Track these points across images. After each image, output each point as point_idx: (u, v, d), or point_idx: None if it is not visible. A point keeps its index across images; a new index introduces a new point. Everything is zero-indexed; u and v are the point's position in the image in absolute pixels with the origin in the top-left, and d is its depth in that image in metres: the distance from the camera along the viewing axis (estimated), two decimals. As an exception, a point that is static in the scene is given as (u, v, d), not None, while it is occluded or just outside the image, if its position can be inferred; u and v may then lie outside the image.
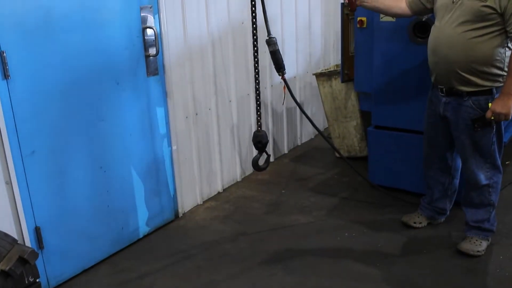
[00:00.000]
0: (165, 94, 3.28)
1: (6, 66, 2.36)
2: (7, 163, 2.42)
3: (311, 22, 4.70)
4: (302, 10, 4.52)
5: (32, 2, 2.44)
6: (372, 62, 3.58)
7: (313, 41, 4.78)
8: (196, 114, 3.55)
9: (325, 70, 4.39)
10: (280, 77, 2.97)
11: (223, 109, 3.79)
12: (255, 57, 2.83)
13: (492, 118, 2.59)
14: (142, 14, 3.02)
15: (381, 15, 3.44)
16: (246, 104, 4.00)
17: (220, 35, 3.64)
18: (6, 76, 2.37)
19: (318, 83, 4.32)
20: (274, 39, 2.94)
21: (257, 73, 2.85)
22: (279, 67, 3.00)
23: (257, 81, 2.85)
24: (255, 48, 2.81)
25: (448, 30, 2.65)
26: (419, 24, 3.31)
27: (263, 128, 2.98)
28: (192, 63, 3.43)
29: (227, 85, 3.79)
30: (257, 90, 2.87)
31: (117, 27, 2.88)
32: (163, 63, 3.21)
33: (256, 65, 2.84)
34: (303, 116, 4.64)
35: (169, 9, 3.19)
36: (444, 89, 2.78)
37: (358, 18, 3.69)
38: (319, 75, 4.30)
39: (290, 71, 4.45)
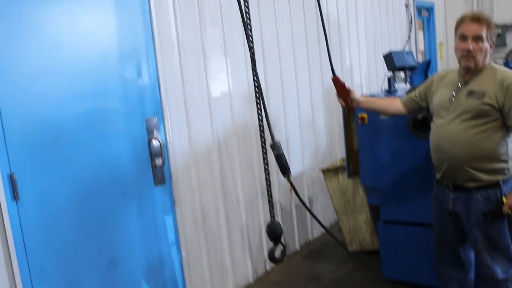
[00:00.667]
0: (172, 201, 3.29)
1: (16, 188, 2.41)
2: (15, 282, 2.40)
3: (314, 117, 4.78)
4: (305, 107, 4.62)
5: (42, 124, 2.52)
6: (376, 157, 3.60)
7: (318, 136, 4.84)
8: (204, 218, 3.54)
9: (332, 165, 4.41)
10: (286, 180, 2.98)
11: (232, 211, 3.78)
12: (264, 151, 2.85)
13: (510, 213, 2.58)
14: (147, 126, 3.09)
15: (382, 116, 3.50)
16: (254, 203, 4.00)
17: (225, 139, 3.71)
18: (16, 198, 2.41)
19: (325, 179, 4.32)
20: (278, 143, 2.99)
21: (266, 163, 2.85)
22: (285, 170, 3.02)
23: (266, 171, 2.83)
24: (263, 146, 2.83)
25: (450, 128, 2.68)
26: (419, 119, 3.35)
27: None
28: (198, 169, 3.47)
29: (234, 186, 3.80)
30: (268, 181, 2.85)
31: (123, 141, 2.95)
32: (169, 171, 3.25)
33: (265, 156, 2.84)
34: (313, 211, 4.61)
35: (174, 118, 3.28)
36: (451, 185, 2.76)
37: (360, 115, 3.74)
38: (325, 171, 4.31)
39: (296, 167, 4.48)
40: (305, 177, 4.65)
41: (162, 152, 3.15)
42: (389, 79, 3.81)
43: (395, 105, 3.08)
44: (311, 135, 4.75)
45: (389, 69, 3.88)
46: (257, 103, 2.97)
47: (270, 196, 2.89)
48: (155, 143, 3.14)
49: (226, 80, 3.71)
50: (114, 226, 2.91)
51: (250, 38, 2.89)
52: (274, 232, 2.87)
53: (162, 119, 3.21)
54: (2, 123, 2.36)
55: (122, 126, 2.95)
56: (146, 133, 3.10)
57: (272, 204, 2.90)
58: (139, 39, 3.05)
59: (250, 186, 3.97)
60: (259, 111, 2.91)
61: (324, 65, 4.80)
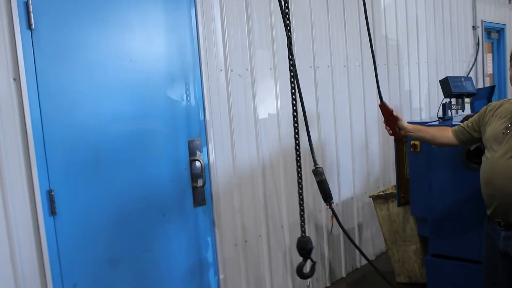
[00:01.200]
0: (212, 223, 3.25)
1: (53, 204, 2.44)
2: (49, 297, 2.42)
3: (368, 141, 4.62)
4: (358, 131, 4.47)
5: (82, 143, 2.55)
6: (427, 187, 3.41)
7: (371, 161, 4.66)
8: (246, 241, 3.47)
9: (382, 192, 4.22)
10: (328, 206, 2.86)
11: (275, 234, 3.69)
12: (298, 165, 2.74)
13: None
14: (190, 147, 3.07)
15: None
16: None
17: (271, 161, 3.64)
18: (53, 213, 2.45)
19: (375, 206, 4.15)
20: (321, 169, 2.88)
21: (300, 177, 2.74)
22: (326, 196, 2.90)
23: (300, 186, 2.73)
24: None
25: (502, 163, 2.48)
26: (472, 150, 3.14)
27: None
28: (241, 191, 3.41)
29: (278, 210, 3.71)
30: (300, 195, 2.75)
31: (164, 161, 2.95)
32: (211, 192, 3.22)
33: (299, 168, 2.72)
34: (362, 237, 4.43)
35: (218, 140, 3.25)
36: (502, 222, 2.54)
37: (412, 142, 3.57)
38: (375, 198, 4.13)
39: (346, 192, 4.33)
40: (355, 202, 4.49)
41: (203, 173, 3.12)
42: (443, 106, 3.60)
43: (446, 135, 2.90)
44: (364, 159, 4.58)
45: (445, 95, 3.68)
46: (294, 127, 2.87)
47: (302, 210, 2.78)
48: (197, 164, 3.11)
49: (274, 102, 3.65)
50: (151, 245, 2.90)
51: (291, 58, 2.81)
52: (303, 247, 2.74)
53: (205, 141, 3.19)
54: (44, 143, 2.40)
55: (164, 146, 2.95)
56: (188, 154, 3.08)
57: (304, 219, 2.78)
58: (186, 61, 3.06)
59: (295, 210, 3.86)
60: (296, 135, 2.82)
61: (382, 86, 4.64)
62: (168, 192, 2.99)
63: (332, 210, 2.95)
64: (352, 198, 4.45)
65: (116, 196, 2.71)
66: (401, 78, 5.03)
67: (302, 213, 2.78)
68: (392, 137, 3.01)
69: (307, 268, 2.78)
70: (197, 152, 3.13)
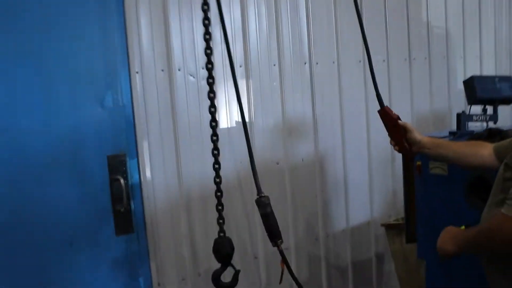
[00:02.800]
0: (145, 254, 2.60)
1: None
2: None
3: (395, 153, 3.61)
4: (379, 140, 3.46)
5: None
6: (433, 221, 2.46)
7: (399, 176, 3.64)
8: (199, 275, 2.78)
9: (397, 220, 3.25)
10: (277, 248, 2.08)
11: (246, 268, 2.95)
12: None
13: None
14: (110, 163, 2.46)
15: (431, 164, 2.35)
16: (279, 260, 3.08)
17: (239, 180, 2.91)
18: None
19: (387, 237, 3.21)
20: (265, 199, 2.08)
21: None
22: (273, 235, 2.10)
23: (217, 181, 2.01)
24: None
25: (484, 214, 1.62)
26: (478, 181, 2.15)
27: None
28: (191, 215, 2.73)
29: (250, 238, 2.97)
30: (218, 191, 2.02)
31: (73, 180, 2.37)
32: (143, 218, 2.58)
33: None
34: (383, 271, 3.51)
35: (156, 154, 2.60)
36: None
37: (417, 162, 2.62)
38: (388, 227, 3.19)
39: (359, 215, 3.44)
40: (373, 228, 3.55)
41: (129, 195, 2.49)
42: (458, 116, 2.58)
43: (481, 153, 1.98)
44: (388, 175, 3.60)
45: (469, 101, 2.63)
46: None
47: (220, 205, 2.03)
48: (121, 184, 2.48)
49: (244, 107, 2.89)
50: (55, 279, 2.35)
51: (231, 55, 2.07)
52: (217, 250, 2.00)
53: (135, 155, 2.54)
54: None
55: (73, 163, 2.37)
56: (107, 172, 2.46)
57: (221, 215, 2.03)
58: (109, 59, 2.44)
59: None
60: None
61: (420, 86, 3.65)
62: (77, 218, 2.40)
63: (281, 253, 2.14)
64: (368, 223, 3.51)
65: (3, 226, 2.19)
66: (451, 74, 3.92)
67: (220, 207, 2.03)
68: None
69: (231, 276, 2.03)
70: (122, 169, 2.50)
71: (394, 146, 2.10)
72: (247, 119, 2.83)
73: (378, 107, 3.43)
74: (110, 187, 2.47)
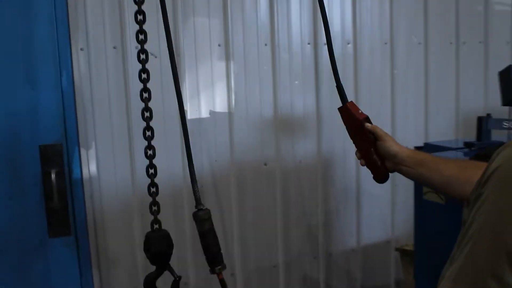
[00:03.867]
0: (87, 261, 2.19)
1: None
2: None
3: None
4: (407, 137, 2.81)
5: None
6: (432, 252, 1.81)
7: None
8: None
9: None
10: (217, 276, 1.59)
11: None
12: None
13: None
14: (43, 154, 2.07)
15: (425, 190, 1.70)
16: (265, 277, 2.55)
17: (214, 181, 2.40)
18: None
19: (402, 264, 2.52)
20: (202, 213, 1.58)
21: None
22: (212, 260, 1.60)
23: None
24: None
25: None
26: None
27: None
28: (147, 218, 2.26)
29: (227, 251, 2.45)
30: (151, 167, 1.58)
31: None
32: (85, 218, 2.16)
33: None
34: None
35: (104, 146, 2.18)
36: None
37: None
38: (403, 253, 2.50)
39: (377, 233, 2.78)
40: (394, 248, 2.85)
41: (64, 190, 2.09)
42: (479, 121, 1.85)
43: (470, 176, 1.31)
44: (419, 186, 2.87)
45: (504, 100, 1.88)
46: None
47: (153, 187, 1.56)
48: (56, 177, 2.09)
49: (224, 94, 2.39)
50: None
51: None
52: (147, 249, 1.54)
53: (76, 145, 2.13)
54: None
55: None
56: (39, 163, 2.08)
57: (155, 202, 1.57)
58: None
59: (259, 250, 2.54)
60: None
61: (471, 77, 2.89)
62: (2, 217, 2.04)
63: (222, 282, 1.63)
64: (389, 242, 2.83)
65: None
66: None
67: (153, 188, 1.57)
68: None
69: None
70: (57, 161, 2.10)
71: (358, 159, 1.47)
72: (225, 108, 2.31)
73: (414, 100, 2.75)
74: (43, 182, 2.07)
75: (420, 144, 2.34)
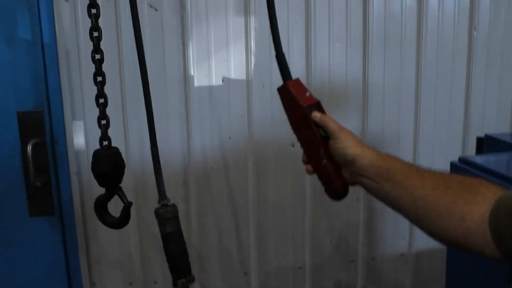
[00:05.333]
0: (74, 244, 1.89)
1: None
2: None
3: None
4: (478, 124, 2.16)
5: None
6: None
7: None
8: (155, 282, 1.98)
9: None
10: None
11: (229, 283, 2.05)
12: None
13: None
14: (21, 122, 1.76)
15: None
16: (289, 275, 2.10)
17: (224, 162, 1.96)
18: None
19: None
20: (169, 211, 1.23)
21: None
22: (176, 269, 1.26)
23: None
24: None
25: None
26: None
27: None
28: (142, 198, 1.91)
29: (239, 246, 2.03)
30: None
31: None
32: (70, 195, 1.85)
33: None
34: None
35: (94, 112, 1.80)
36: None
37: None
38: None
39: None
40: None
41: (47, 164, 1.78)
42: (479, 143, 1.28)
43: (467, 210, 0.78)
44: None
45: None
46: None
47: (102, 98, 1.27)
48: (36, 149, 1.78)
49: (241, 58, 1.90)
50: None
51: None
52: (93, 168, 1.30)
53: (60, 111, 1.79)
54: None
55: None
56: (18, 133, 1.77)
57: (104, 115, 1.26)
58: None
59: (284, 247, 2.08)
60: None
61: None
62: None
63: None
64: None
65: None
66: None
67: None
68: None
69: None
70: (37, 131, 1.78)
71: (304, 162, 0.97)
72: (243, 74, 1.83)
73: (493, 77, 2.01)
74: (22, 154, 1.76)
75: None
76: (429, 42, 2.01)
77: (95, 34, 1.26)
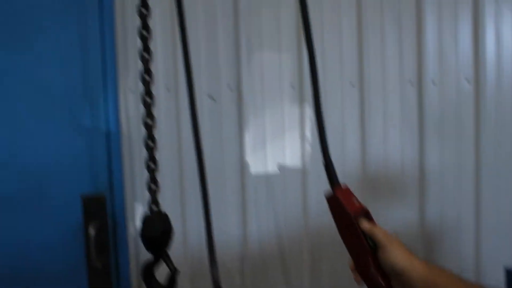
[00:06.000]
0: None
1: None
2: None
3: None
4: None
5: None
6: None
7: None
8: None
9: None
10: None
11: None
12: None
13: None
14: (86, 206, 1.84)
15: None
16: None
17: (280, 249, 1.94)
18: None
19: None
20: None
21: None
22: None
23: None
24: None
25: None
26: None
27: None
28: (197, 283, 1.91)
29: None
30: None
31: (34, 226, 1.84)
32: (128, 279, 1.88)
33: None
34: None
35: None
36: None
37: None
38: None
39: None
40: None
41: (109, 245, 1.84)
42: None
43: None
44: None
45: None
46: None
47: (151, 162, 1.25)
48: (98, 232, 1.85)
49: (296, 145, 1.93)
50: None
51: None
52: (143, 233, 1.26)
53: (122, 196, 1.87)
54: None
55: (36, 205, 1.84)
56: (81, 216, 1.85)
57: (154, 179, 1.25)
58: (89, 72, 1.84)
59: None
60: None
61: None
62: (40, 271, 1.86)
63: None
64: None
65: None
66: None
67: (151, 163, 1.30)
68: None
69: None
70: (101, 214, 1.85)
71: (353, 272, 0.94)
72: (298, 162, 1.85)
73: None
74: (85, 236, 1.83)
75: None
76: (487, 126, 1.95)
77: (149, 122, 1.32)
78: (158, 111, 1.79)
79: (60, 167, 1.83)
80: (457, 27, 1.95)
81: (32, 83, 1.78)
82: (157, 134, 1.63)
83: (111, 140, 1.84)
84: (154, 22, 1.75)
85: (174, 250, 1.74)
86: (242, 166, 1.85)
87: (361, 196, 1.84)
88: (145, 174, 1.74)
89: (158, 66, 1.81)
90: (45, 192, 1.83)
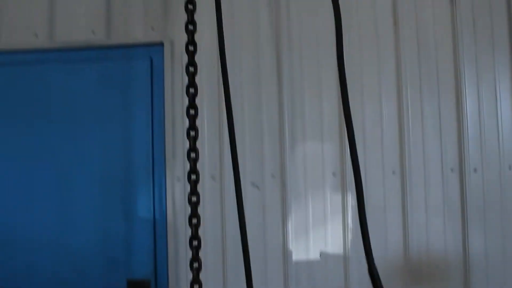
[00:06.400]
0: None
1: None
2: None
3: None
4: None
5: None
6: None
7: None
8: None
9: None
10: None
11: None
12: None
13: None
14: (131, 292, 1.87)
15: None
16: None
17: None
18: None
19: None
20: None
21: None
22: None
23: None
24: None
25: None
26: None
27: None
28: None
29: None
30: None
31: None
32: None
33: None
34: None
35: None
36: None
37: None
38: None
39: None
40: None
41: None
42: None
43: None
44: None
45: None
46: None
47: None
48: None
49: (338, 232, 1.93)
50: None
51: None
52: None
53: (166, 282, 1.89)
54: None
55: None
56: (127, 301, 1.87)
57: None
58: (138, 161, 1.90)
59: None
60: None
61: None
62: None
63: None
64: None
65: None
66: None
67: None
68: None
69: None
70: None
71: None
72: (340, 249, 1.85)
73: None
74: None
75: None
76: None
77: (193, 220, 1.34)
78: (203, 198, 1.84)
79: (108, 252, 1.86)
80: (497, 113, 1.96)
81: (91, 173, 1.85)
82: (202, 222, 1.68)
83: (157, 227, 1.87)
84: (202, 120, 1.82)
85: None
86: (285, 253, 1.86)
87: (404, 284, 1.83)
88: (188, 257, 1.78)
89: (205, 159, 1.86)
90: (91, 274, 1.86)
